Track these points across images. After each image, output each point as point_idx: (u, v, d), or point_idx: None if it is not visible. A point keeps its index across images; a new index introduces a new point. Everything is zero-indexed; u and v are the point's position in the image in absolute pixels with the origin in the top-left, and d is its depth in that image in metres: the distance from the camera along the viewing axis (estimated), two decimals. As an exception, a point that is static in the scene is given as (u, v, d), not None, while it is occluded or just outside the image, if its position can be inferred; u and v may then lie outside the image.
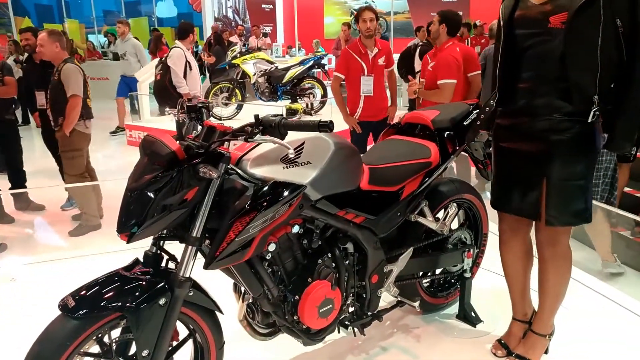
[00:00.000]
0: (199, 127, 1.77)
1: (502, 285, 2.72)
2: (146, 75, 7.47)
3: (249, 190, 1.60)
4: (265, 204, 1.58)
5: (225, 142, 1.61)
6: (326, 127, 1.49)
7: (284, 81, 8.08)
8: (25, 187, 4.79)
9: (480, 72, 3.90)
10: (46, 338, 1.44)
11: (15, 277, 3.02)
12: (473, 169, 4.09)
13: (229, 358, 1.88)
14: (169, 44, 10.32)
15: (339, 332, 2.18)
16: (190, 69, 5.41)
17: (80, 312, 1.45)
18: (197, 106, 1.77)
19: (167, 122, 7.07)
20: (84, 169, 4.22)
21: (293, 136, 1.75)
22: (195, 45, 11.96)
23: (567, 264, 2.08)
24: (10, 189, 4.70)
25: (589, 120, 1.82)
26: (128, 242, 1.50)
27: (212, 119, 2.54)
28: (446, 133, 2.25)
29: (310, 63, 8.36)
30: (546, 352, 2.23)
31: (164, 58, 5.59)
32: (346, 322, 2.08)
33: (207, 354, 1.78)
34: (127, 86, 8.10)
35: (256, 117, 1.56)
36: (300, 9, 16.50)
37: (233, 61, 8.17)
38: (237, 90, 8.05)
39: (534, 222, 2.10)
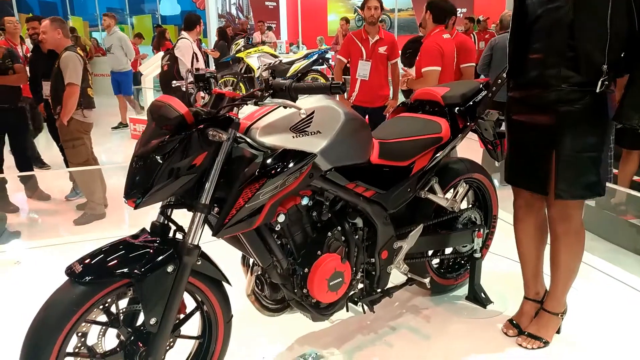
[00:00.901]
0: (207, 97, 1.74)
1: (512, 269, 2.70)
2: (150, 68, 7.44)
3: (258, 158, 1.57)
4: (275, 171, 1.55)
5: (235, 109, 1.58)
6: (338, 88, 1.45)
7: (288, 75, 8.05)
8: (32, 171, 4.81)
9: (473, 64, 3.92)
10: (52, 303, 1.41)
11: (20, 260, 3.00)
12: (481, 152, 4.06)
13: (236, 338, 1.85)
14: (172, 40, 10.29)
15: (347, 310, 2.15)
16: (197, 61, 5.38)
17: (87, 277, 1.42)
18: (205, 75, 1.74)
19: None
20: (88, 157, 4.20)
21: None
22: (199, 42, 11.92)
23: (580, 241, 2.04)
24: (18, 175, 4.71)
25: (597, 90, 1.79)
26: (135, 208, 1.47)
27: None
28: (457, 109, 2.21)
29: (315, 57, 8.34)
30: (558, 332, 2.19)
31: (171, 49, 5.58)
32: (355, 299, 2.05)
33: (215, 327, 1.75)
34: (117, 82, 8.02)
35: (266, 80, 1.53)
36: (303, 6, 16.48)
37: (237, 55, 8.15)
38: (241, 84, 8.03)
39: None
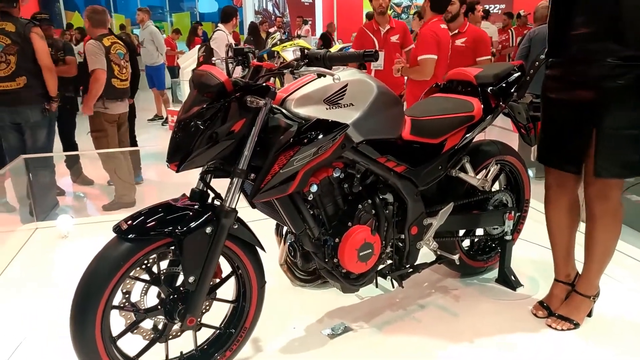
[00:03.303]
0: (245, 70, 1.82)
1: (544, 255, 2.69)
2: (188, 61, 7.66)
3: (293, 127, 1.64)
4: (308, 139, 1.61)
5: (271, 79, 1.65)
6: (371, 56, 1.50)
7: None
8: (77, 159, 5.05)
9: (490, 57, 3.96)
10: (102, 257, 1.52)
11: (67, 234, 3.18)
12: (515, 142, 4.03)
13: (268, 308, 1.92)
14: (207, 34, 10.48)
15: (376, 286, 2.19)
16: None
17: (132, 234, 1.52)
18: (244, 50, 1.82)
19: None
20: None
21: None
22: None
23: (617, 221, 2.01)
24: (65, 161, 4.96)
25: None
26: (177, 171, 1.57)
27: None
28: (489, 88, 2.22)
29: (350, 50, 8.36)
30: (589, 315, 2.18)
31: (209, 39, 5.74)
32: (385, 272, 2.10)
33: (249, 292, 1.83)
34: (150, 77, 8.19)
35: (302, 50, 1.60)
36: (339, 2, 16.50)
37: (273, 48, 8.26)
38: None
39: (582, 178, 2.05)
